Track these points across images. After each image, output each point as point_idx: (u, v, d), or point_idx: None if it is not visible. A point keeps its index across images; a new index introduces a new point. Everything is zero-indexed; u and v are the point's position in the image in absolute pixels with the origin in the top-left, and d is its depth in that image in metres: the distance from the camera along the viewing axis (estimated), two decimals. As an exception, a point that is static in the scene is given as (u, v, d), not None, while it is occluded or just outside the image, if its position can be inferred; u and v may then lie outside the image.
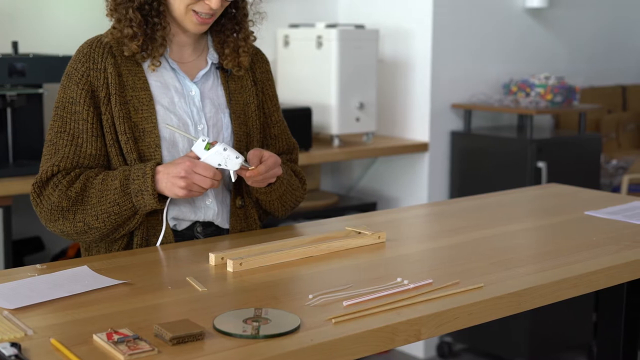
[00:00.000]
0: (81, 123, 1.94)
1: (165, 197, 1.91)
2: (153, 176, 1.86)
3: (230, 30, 2.08)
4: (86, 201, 1.89)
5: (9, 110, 3.17)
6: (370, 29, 4.08)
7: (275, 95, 2.19)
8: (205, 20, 1.97)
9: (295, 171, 2.18)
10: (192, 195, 1.91)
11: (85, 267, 1.74)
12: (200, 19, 1.96)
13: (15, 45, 3.21)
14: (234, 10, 2.08)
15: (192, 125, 2.01)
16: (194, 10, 1.94)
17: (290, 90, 4.08)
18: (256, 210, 2.12)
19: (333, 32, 3.90)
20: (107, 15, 2.00)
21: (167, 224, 1.97)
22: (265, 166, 1.93)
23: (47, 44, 3.51)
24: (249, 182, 1.97)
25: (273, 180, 2.00)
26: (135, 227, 1.93)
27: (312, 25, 4.07)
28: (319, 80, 3.97)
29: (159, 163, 1.90)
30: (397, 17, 4.33)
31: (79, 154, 1.93)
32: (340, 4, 4.61)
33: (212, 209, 2.04)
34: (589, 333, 4.16)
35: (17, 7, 3.56)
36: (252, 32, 2.13)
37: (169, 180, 1.86)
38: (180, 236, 2.02)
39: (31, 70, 3.10)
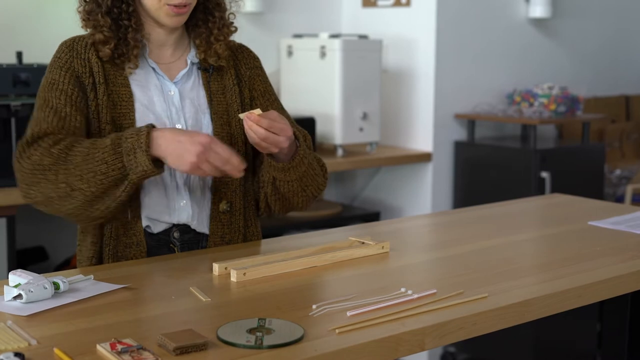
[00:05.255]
0: (63, 98, 1.90)
1: (161, 162, 1.82)
2: (148, 134, 1.77)
3: (202, 21, 2.05)
4: (70, 160, 1.79)
5: (13, 120, 3.17)
6: (373, 39, 4.09)
7: (268, 90, 2.13)
8: (180, 10, 1.94)
9: (315, 156, 2.08)
10: (197, 174, 1.83)
11: (90, 277, 1.74)
12: (175, 10, 1.93)
13: (19, 55, 3.22)
14: (204, 1, 2.05)
15: (170, 125, 1.98)
16: (168, 3, 1.93)
17: (294, 100, 4.08)
18: (243, 218, 2.07)
19: (336, 42, 3.90)
20: (82, 27, 2.00)
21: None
22: (267, 118, 1.84)
23: (51, 54, 3.51)
24: (254, 140, 1.87)
25: (284, 144, 1.88)
26: (120, 198, 1.82)
27: (315, 36, 4.08)
28: (322, 90, 3.98)
29: (154, 125, 1.82)
30: (401, 28, 4.34)
31: (64, 124, 1.88)
32: (343, 14, 4.62)
33: (186, 211, 1.99)
34: (593, 343, 4.15)
35: (21, 17, 3.57)
36: (232, 23, 2.08)
37: (179, 146, 1.77)
38: (155, 239, 1.98)
39: (35, 80, 3.11)
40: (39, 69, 3.14)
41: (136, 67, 1.98)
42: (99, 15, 1.94)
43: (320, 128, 3.94)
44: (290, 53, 4.14)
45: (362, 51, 3.99)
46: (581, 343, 4.13)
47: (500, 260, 1.96)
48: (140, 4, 1.96)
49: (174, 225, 2.00)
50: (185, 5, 1.94)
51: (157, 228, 1.99)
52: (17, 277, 1.63)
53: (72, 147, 1.81)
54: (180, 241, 2.01)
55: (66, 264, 3.55)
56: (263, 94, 2.13)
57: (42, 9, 3.61)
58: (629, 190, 4.33)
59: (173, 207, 1.98)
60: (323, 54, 3.96)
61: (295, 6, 4.40)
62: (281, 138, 1.87)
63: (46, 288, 1.59)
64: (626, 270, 1.88)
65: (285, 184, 2.01)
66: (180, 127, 1.98)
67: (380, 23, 4.42)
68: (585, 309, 2.07)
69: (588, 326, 4.13)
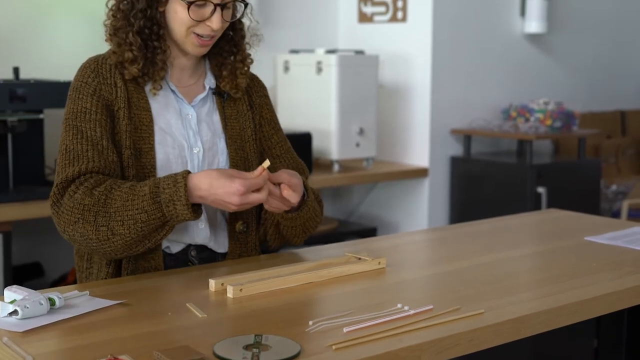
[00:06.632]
0: (99, 130, 1.91)
1: (199, 205, 1.86)
2: (185, 185, 1.81)
3: (227, 53, 2.09)
4: (109, 203, 1.82)
5: (9, 136, 3.17)
6: (370, 55, 4.10)
7: (273, 120, 2.18)
8: (206, 42, 1.97)
9: (314, 193, 2.13)
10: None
11: (86, 292, 1.74)
12: (201, 41, 1.96)
13: (16, 70, 3.22)
14: (231, 33, 2.08)
15: (188, 148, 2.00)
16: (195, 33, 1.95)
17: (290, 115, 4.09)
18: (257, 236, 2.11)
19: (333, 57, 3.91)
20: (106, 40, 2.00)
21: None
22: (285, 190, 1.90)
23: (48, 70, 3.52)
24: (266, 207, 1.93)
25: (289, 207, 1.95)
26: (160, 240, 1.88)
27: (312, 51, 4.09)
28: (319, 105, 3.99)
29: (189, 171, 1.85)
30: (397, 43, 4.35)
31: (105, 158, 1.89)
32: (340, 29, 4.63)
33: (204, 232, 2.02)
34: (591, 359, 4.13)
35: (18, 33, 3.57)
36: (249, 55, 2.13)
37: (217, 200, 1.82)
38: (174, 259, 2.01)
39: (32, 95, 3.11)
40: (36, 85, 3.15)
41: (160, 88, 1.99)
42: (130, 34, 1.94)
43: (316, 143, 3.94)
44: (286, 68, 4.15)
45: (358, 66, 4.00)
46: (578, 359, 4.12)
47: (497, 276, 1.96)
48: (168, 28, 1.98)
49: (191, 244, 2.02)
50: (212, 37, 1.98)
51: (175, 248, 2.01)
52: (12, 293, 1.62)
53: (112, 189, 1.84)
54: (198, 259, 2.03)
55: (62, 280, 3.54)
56: (269, 122, 2.17)
57: (39, 25, 3.62)
58: (625, 205, 4.34)
59: (191, 229, 2.00)
60: (319, 70, 3.97)
61: (292, 22, 4.41)
62: (294, 195, 1.91)
63: (42, 304, 1.59)
64: (623, 286, 1.88)
65: (289, 229, 2.06)
66: (197, 150, 2.01)
67: (377, 38, 4.44)
68: (583, 324, 2.07)
69: (585, 342, 4.12)
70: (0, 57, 3.48)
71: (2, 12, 3.53)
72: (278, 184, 1.90)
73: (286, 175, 1.91)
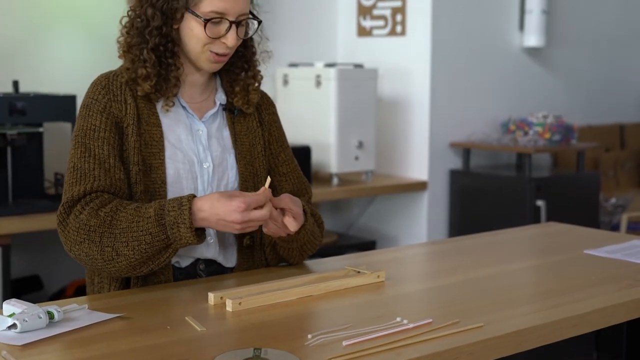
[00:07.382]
0: (106, 148, 1.91)
1: (203, 230, 1.88)
2: (190, 208, 1.83)
3: (239, 69, 2.11)
4: (115, 225, 1.83)
5: (9, 149, 3.18)
6: (369, 68, 4.11)
7: (281, 137, 2.19)
8: (221, 58, 1.99)
9: (315, 215, 2.15)
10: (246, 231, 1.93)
11: (84, 306, 1.73)
12: (216, 58, 1.98)
13: (16, 84, 3.23)
14: (242, 49, 2.10)
15: (198, 163, 2.01)
16: (210, 50, 1.97)
17: (290, 128, 4.05)
18: (263, 250, 2.11)
19: (332, 71, 3.92)
20: (119, 57, 2.01)
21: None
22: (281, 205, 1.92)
23: (47, 83, 3.53)
24: (265, 230, 1.96)
25: (295, 229, 1.97)
26: (164, 263, 1.88)
27: (311, 65, 4.10)
28: (318, 119, 3.99)
29: (194, 195, 1.87)
30: (396, 57, 4.36)
31: (111, 176, 1.90)
32: (339, 43, 4.64)
33: (213, 247, 2.03)
34: (590, 372, 4.13)
35: (18, 46, 3.58)
36: (259, 71, 2.15)
37: (220, 223, 1.84)
38: (183, 273, 2.01)
39: (32, 109, 3.12)
40: (36, 98, 3.15)
41: (173, 104, 2.00)
42: (145, 51, 1.95)
43: (315, 157, 3.94)
44: (285, 82, 4.16)
45: (357, 80, 4.01)
46: (578, 372, 4.11)
47: (496, 290, 1.96)
48: (182, 45, 1.99)
49: (200, 258, 2.03)
50: (227, 54, 1.99)
51: (184, 263, 2.02)
52: (11, 307, 1.62)
53: (117, 211, 1.85)
54: (206, 272, 2.04)
55: (61, 293, 3.54)
56: (277, 139, 2.18)
57: (39, 38, 3.63)
58: (624, 218, 4.34)
59: (201, 244, 1.99)
60: (318, 83, 3.98)
61: (291, 35, 4.42)
62: (294, 223, 1.95)
63: (41, 317, 1.59)
64: (622, 299, 1.88)
65: (286, 250, 2.07)
66: (207, 165, 2.02)
67: (376, 52, 4.45)
68: (582, 337, 2.07)
69: (585, 355, 4.11)
70: (0, 70, 3.49)
71: (2, 25, 3.54)
72: (281, 209, 1.93)
73: (288, 201, 1.94)
